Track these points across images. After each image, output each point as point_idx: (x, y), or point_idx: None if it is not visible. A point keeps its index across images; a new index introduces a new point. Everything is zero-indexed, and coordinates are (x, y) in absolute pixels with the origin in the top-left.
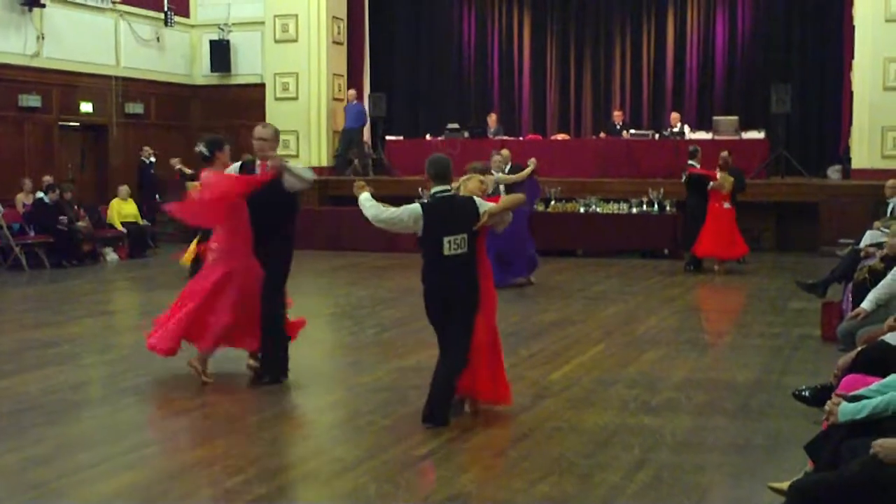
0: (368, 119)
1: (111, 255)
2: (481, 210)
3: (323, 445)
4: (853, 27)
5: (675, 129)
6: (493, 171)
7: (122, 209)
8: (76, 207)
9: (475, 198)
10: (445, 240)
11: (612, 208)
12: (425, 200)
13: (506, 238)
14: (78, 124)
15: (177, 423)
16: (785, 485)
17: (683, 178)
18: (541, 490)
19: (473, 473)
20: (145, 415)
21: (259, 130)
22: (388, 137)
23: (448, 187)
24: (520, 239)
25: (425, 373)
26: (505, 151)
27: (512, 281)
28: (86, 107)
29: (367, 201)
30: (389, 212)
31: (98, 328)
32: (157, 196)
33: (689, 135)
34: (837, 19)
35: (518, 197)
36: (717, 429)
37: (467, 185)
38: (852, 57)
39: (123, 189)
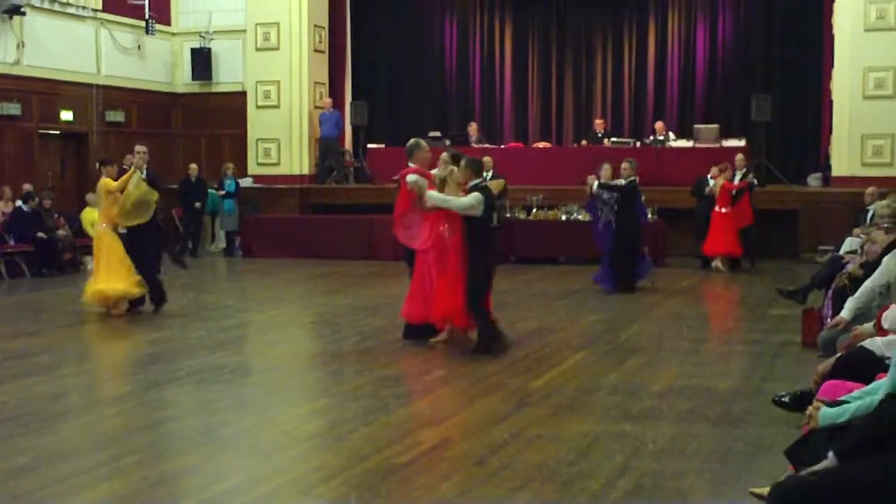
0: (347, 127)
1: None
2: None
3: (304, 454)
4: (833, 37)
5: (660, 137)
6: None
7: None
8: (56, 216)
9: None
10: (493, 215)
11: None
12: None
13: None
14: (58, 132)
15: (157, 432)
16: (766, 490)
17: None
18: (522, 498)
19: (454, 481)
20: (125, 425)
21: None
22: (369, 145)
23: (480, 179)
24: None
25: (406, 382)
26: (487, 159)
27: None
28: (66, 115)
29: (439, 196)
30: (467, 201)
31: (78, 337)
32: None
33: (672, 143)
34: (817, 29)
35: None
36: (698, 436)
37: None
38: (832, 66)
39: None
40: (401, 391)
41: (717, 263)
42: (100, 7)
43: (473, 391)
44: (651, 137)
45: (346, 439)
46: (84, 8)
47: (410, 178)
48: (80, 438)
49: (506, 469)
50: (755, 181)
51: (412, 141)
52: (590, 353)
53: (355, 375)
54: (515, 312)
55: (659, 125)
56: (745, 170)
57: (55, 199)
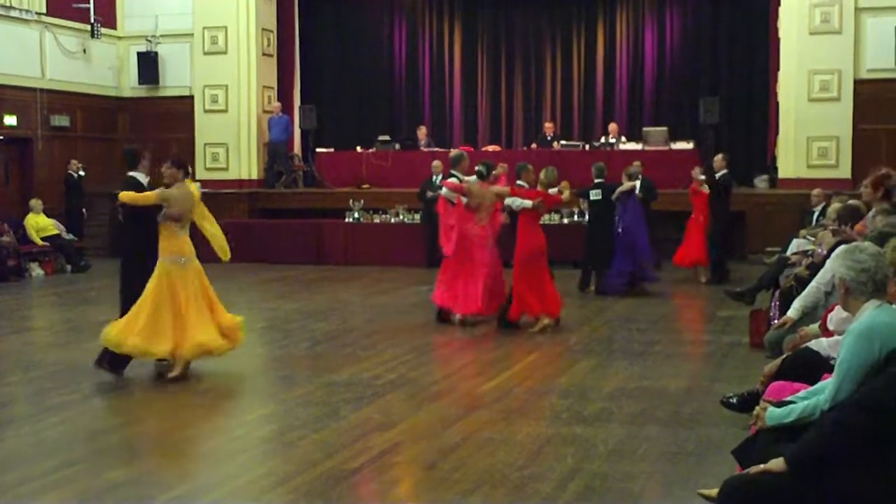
0: (296, 131)
1: (37, 271)
2: None
3: (254, 461)
4: (778, 40)
5: (612, 140)
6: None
7: (38, 223)
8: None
9: None
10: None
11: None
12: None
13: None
14: (1, 137)
15: (104, 440)
16: (714, 491)
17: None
18: (473, 502)
19: (405, 486)
20: (72, 432)
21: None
22: (318, 149)
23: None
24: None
25: (357, 387)
26: (436, 163)
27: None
28: (9, 120)
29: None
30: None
31: (23, 345)
32: (84, 210)
33: (623, 145)
34: (763, 32)
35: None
36: (648, 437)
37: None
38: (778, 69)
39: (36, 203)
40: (351, 396)
41: (700, 279)
42: (44, 10)
43: (424, 395)
44: (602, 139)
45: (296, 445)
46: (28, 11)
47: (444, 190)
48: (26, 447)
49: (456, 473)
50: (731, 180)
51: (457, 152)
52: (540, 356)
53: (305, 381)
54: None
55: (613, 127)
56: (724, 171)
57: None
